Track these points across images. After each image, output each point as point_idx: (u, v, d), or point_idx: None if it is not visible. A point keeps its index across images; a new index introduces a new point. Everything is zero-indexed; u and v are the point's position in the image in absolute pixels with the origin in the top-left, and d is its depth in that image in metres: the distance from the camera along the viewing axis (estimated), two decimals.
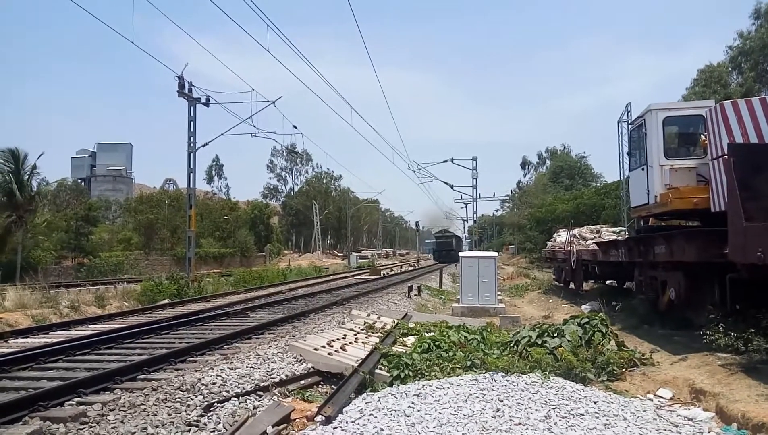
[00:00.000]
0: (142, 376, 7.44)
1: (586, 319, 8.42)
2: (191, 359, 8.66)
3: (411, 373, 7.03)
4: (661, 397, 6.55)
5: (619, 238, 16.83)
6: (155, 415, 5.66)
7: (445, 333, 9.17)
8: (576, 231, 21.03)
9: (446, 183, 44.66)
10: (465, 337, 8.87)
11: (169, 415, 5.68)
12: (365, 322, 11.43)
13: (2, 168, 34.14)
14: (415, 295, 21.04)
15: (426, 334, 9.40)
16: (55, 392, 6.24)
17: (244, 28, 22.53)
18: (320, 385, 7.37)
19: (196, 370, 7.53)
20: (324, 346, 8.38)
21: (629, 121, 20.75)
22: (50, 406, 5.91)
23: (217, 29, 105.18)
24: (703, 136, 10.25)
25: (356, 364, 7.13)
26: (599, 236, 19.35)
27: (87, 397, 6.35)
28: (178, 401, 6.11)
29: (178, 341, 10.45)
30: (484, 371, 6.87)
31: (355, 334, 9.84)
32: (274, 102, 24.52)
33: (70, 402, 6.15)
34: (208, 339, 9.99)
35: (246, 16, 16.00)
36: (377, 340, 9.13)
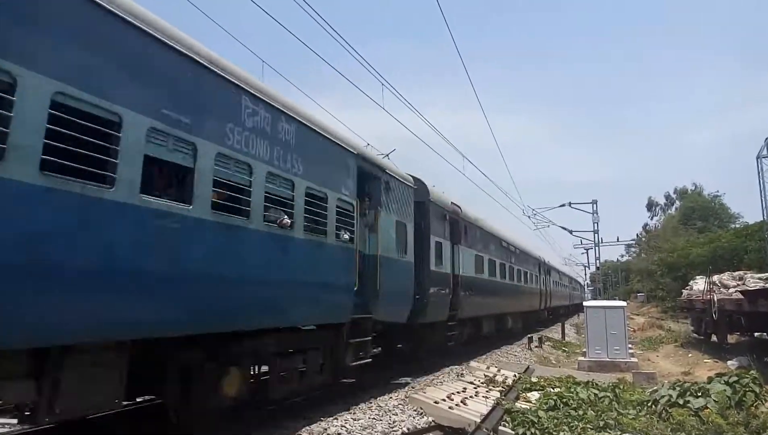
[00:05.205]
0: (273, 423, 7.76)
1: (735, 377, 7.65)
2: (317, 407, 8.91)
3: (538, 432, 6.70)
4: None
5: None
6: None
7: (572, 389, 8.69)
8: (716, 278, 19.36)
9: (564, 228, 43.07)
10: (595, 394, 8.35)
11: None
12: (485, 375, 11.14)
13: None
14: (536, 346, 20.20)
15: (551, 389, 8.97)
16: None
17: (361, 88, 23.76)
18: None
19: (321, 419, 7.73)
20: (444, 399, 8.26)
21: None
22: None
23: (335, 88, 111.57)
24: None
25: (479, 420, 6.95)
26: (743, 283, 17.64)
27: None
28: None
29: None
30: (619, 432, 6.41)
31: (475, 388, 9.61)
32: (387, 155, 25.22)
33: None
34: (331, 389, 10.19)
35: (361, 76, 16.93)
36: (498, 394, 8.86)
